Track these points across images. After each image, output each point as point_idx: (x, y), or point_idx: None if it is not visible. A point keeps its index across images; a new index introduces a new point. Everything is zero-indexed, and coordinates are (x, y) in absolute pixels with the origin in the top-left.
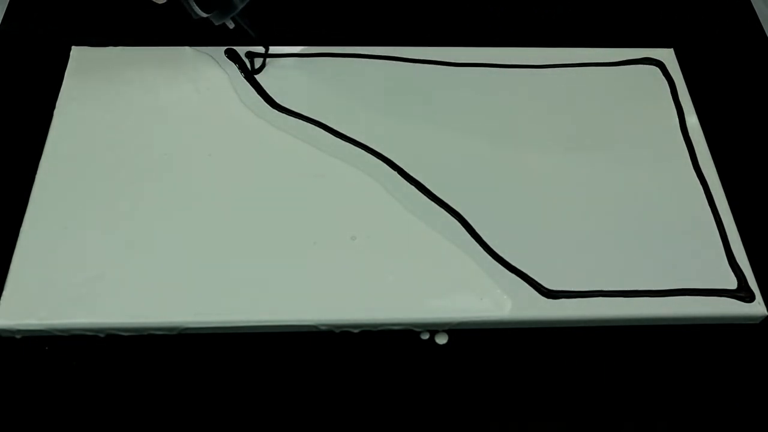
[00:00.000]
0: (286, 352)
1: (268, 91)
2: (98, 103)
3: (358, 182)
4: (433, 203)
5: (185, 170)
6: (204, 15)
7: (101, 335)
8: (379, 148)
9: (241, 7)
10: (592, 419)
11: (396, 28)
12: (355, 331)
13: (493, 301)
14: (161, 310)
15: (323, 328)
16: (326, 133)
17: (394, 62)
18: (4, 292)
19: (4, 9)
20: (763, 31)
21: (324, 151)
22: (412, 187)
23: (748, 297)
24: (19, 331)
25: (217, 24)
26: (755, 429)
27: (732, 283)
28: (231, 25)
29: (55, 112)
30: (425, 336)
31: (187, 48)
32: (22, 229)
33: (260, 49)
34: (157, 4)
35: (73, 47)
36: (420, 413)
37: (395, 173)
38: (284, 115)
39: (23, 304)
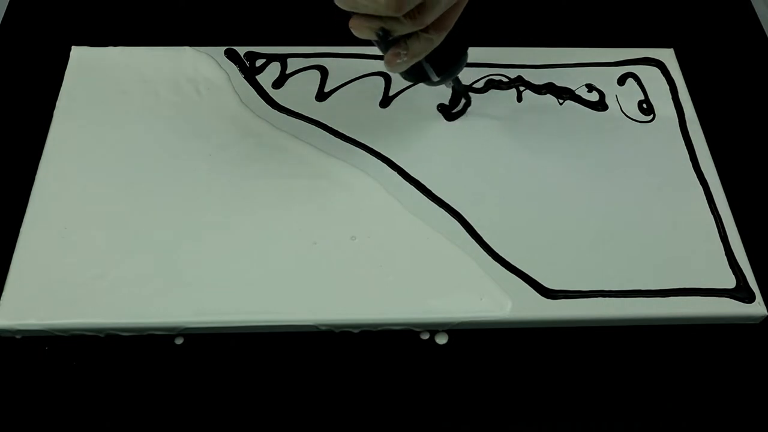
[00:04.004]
0: (286, 352)
1: (268, 91)
2: (98, 103)
3: (358, 182)
4: (433, 203)
5: (185, 170)
6: (437, 79)
7: (101, 335)
8: (379, 148)
9: (461, 70)
10: (593, 419)
11: None
12: (355, 331)
13: (493, 301)
14: (161, 310)
15: (323, 328)
16: (326, 133)
17: None
18: (4, 292)
19: (4, 9)
20: (763, 31)
21: (324, 151)
22: (412, 187)
23: (748, 297)
24: (19, 331)
25: (437, 85)
26: (755, 429)
27: (732, 283)
28: (449, 86)
29: (55, 112)
30: (425, 336)
31: (187, 48)
32: (22, 229)
33: (265, 49)
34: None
35: (73, 47)
36: (420, 413)
37: (395, 173)
38: (284, 115)
39: (23, 304)
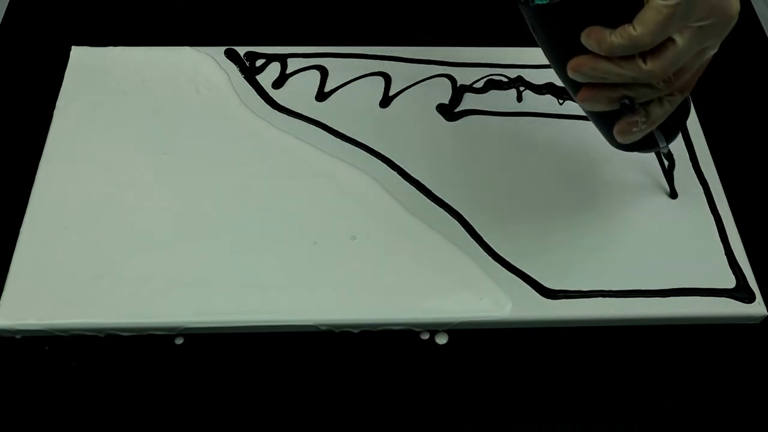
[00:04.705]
0: (286, 352)
1: (268, 91)
2: (98, 103)
3: (358, 182)
4: (433, 203)
5: (185, 170)
6: (665, 145)
7: (101, 335)
8: (379, 148)
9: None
10: (593, 419)
11: (396, 28)
12: (355, 331)
13: (493, 301)
14: (161, 310)
15: (323, 328)
16: (326, 133)
17: (394, 62)
18: (4, 292)
19: (4, 9)
20: (763, 31)
21: (324, 151)
22: (412, 187)
23: (748, 297)
24: (19, 331)
25: (659, 150)
26: (755, 429)
27: (732, 283)
28: (665, 151)
29: (55, 112)
30: (425, 336)
31: (187, 48)
32: (22, 229)
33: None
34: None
35: (73, 47)
36: (420, 413)
37: (395, 173)
38: (284, 115)
39: (23, 304)
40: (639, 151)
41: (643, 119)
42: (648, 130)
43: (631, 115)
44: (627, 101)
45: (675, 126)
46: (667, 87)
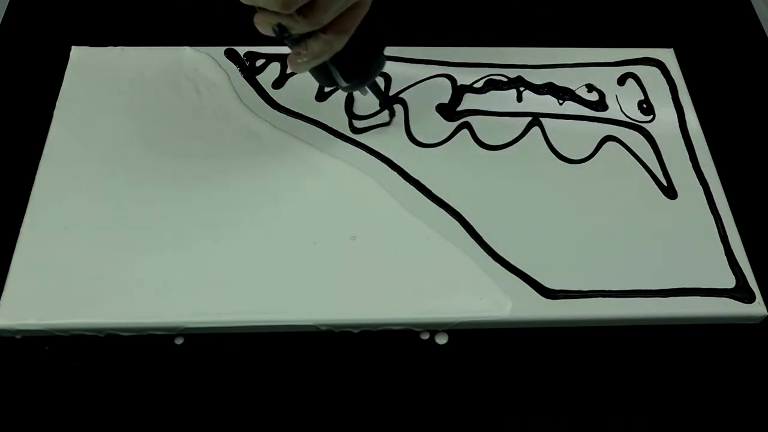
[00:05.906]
0: (286, 352)
1: (268, 91)
2: (98, 103)
3: (358, 182)
4: (433, 203)
5: (185, 170)
6: (345, 84)
7: (101, 335)
8: (379, 148)
9: (374, 78)
10: (592, 419)
11: (396, 28)
12: (355, 331)
13: (493, 301)
14: (161, 310)
15: (323, 328)
16: (326, 133)
17: (394, 62)
18: (4, 292)
19: (4, 9)
20: (763, 31)
21: (324, 151)
22: (412, 187)
23: (748, 297)
24: (19, 331)
25: (350, 91)
26: (755, 429)
27: (731, 283)
28: (364, 93)
29: (55, 112)
30: (425, 336)
31: (187, 48)
32: (22, 229)
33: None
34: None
35: (73, 47)
36: (420, 413)
37: (395, 173)
38: (284, 115)
39: (23, 304)
40: (335, 87)
41: (305, 51)
42: (311, 64)
43: (297, 47)
44: (277, 28)
45: (354, 68)
46: (306, 22)
